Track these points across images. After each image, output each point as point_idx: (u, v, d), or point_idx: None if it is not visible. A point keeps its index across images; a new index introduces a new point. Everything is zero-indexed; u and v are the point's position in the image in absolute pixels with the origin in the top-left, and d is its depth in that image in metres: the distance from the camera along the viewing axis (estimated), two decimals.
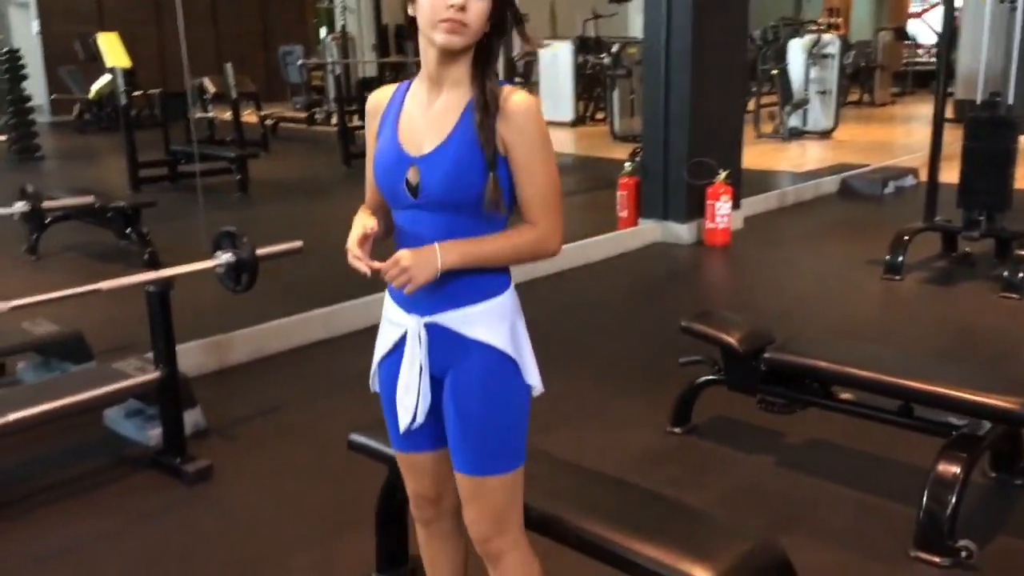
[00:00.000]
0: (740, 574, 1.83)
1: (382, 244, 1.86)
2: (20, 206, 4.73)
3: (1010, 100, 5.80)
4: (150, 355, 3.43)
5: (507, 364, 1.82)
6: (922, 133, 6.00)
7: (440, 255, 1.74)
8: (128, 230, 6.18)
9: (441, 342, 1.82)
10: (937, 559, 2.66)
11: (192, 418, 3.60)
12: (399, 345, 1.87)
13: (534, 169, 1.75)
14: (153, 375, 3.34)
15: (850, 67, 16.69)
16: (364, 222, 1.83)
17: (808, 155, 11.15)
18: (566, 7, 17.33)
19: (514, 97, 1.73)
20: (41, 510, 3.11)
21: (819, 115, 12.46)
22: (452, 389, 1.84)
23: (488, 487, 1.86)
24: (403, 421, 1.88)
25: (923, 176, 6.08)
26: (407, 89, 1.86)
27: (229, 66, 11.13)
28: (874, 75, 16.63)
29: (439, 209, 1.76)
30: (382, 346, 1.94)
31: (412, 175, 1.76)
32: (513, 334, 1.83)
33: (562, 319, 5.10)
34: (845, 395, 3.21)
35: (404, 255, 1.74)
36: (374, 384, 2.00)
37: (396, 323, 1.88)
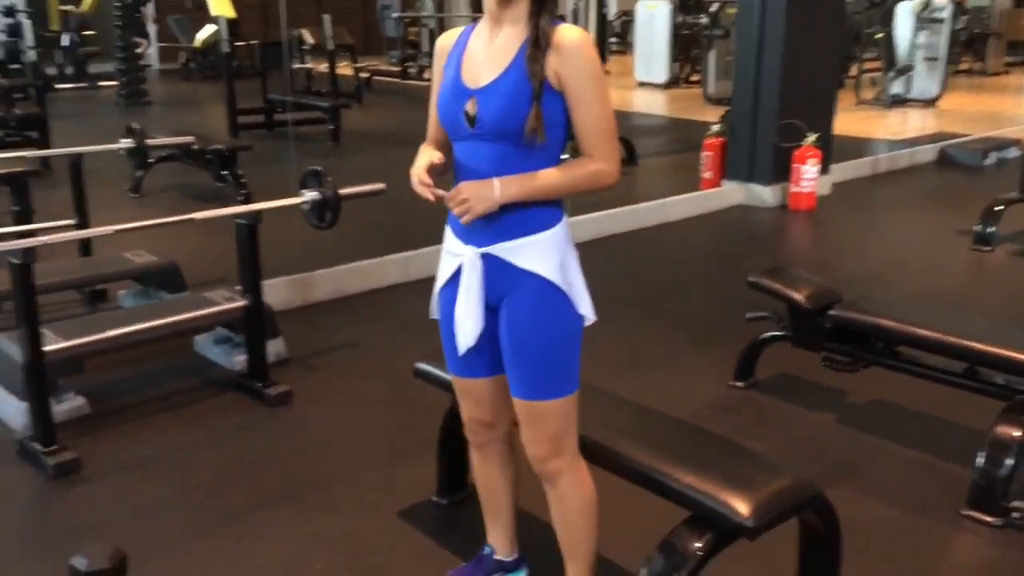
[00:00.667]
0: (774, 507, 1.90)
1: (441, 180, 1.96)
2: (126, 142, 5.00)
3: None
4: (239, 288, 3.64)
5: (557, 294, 1.91)
6: None
7: (499, 187, 1.84)
8: (224, 172, 6.46)
9: (495, 272, 1.92)
10: (989, 518, 2.66)
11: (275, 348, 3.81)
12: (457, 274, 1.98)
13: (588, 100, 1.83)
14: (240, 303, 3.55)
15: (963, 33, 16.03)
16: (431, 154, 1.95)
17: (909, 123, 10.81)
18: None
19: (567, 33, 1.81)
20: (134, 422, 3.36)
21: (925, 82, 12.03)
22: (506, 317, 1.94)
23: (542, 411, 1.97)
24: (461, 345, 2.00)
25: None
26: (472, 31, 1.96)
27: (327, 18, 11.35)
28: (987, 43, 15.89)
29: (494, 139, 1.85)
30: (442, 275, 2.05)
31: (471, 106, 1.86)
32: (563, 266, 1.91)
33: (639, 273, 5.15)
34: (910, 355, 3.20)
35: (465, 186, 1.85)
36: (434, 311, 2.12)
37: (455, 253, 1.99)
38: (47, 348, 3.04)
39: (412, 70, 14.43)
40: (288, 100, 9.39)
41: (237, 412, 3.43)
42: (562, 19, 1.88)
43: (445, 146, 2.03)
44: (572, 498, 2.05)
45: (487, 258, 1.93)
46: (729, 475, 1.97)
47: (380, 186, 3.80)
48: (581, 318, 1.96)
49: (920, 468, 3.00)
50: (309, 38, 12.20)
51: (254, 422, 3.36)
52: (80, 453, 3.02)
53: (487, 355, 2.04)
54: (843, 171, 7.46)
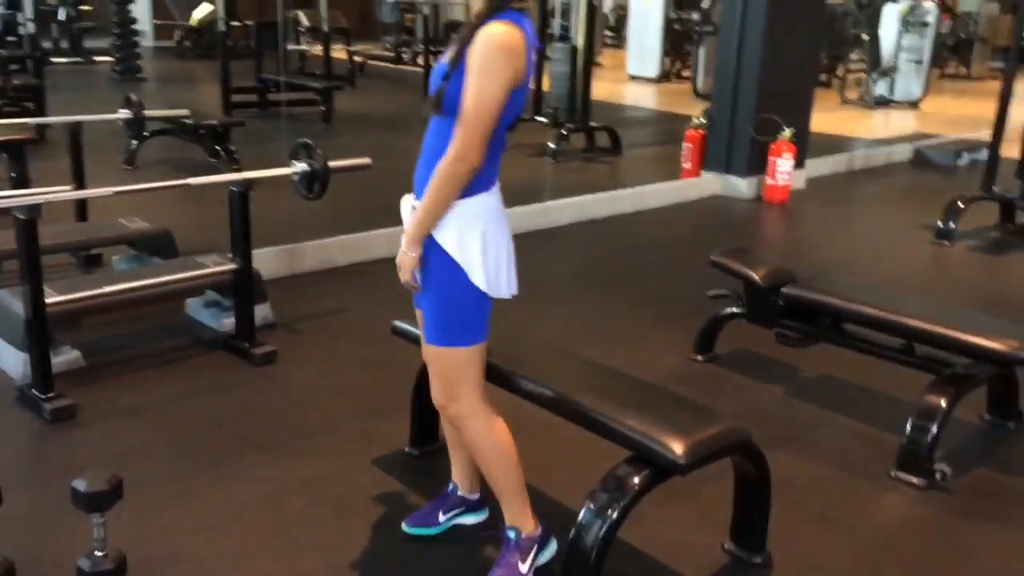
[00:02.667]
0: (705, 448, 2.12)
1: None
2: (123, 113, 5.19)
3: None
4: (229, 255, 3.84)
5: (446, 260, 2.13)
6: (1013, 109, 6.02)
7: (404, 244, 2.15)
8: (217, 147, 6.65)
9: None
10: (915, 479, 2.90)
11: (262, 312, 4.02)
12: None
13: (468, 87, 2.02)
14: (230, 267, 3.76)
15: (950, 38, 16.30)
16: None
17: (890, 123, 11.06)
18: None
19: (486, 27, 2.02)
20: (127, 375, 3.56)
21: (910, 84, 12.28)
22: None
23: (436, 355, 2.24)
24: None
25: (1005, 151, 6.11)
26: None
27: (324, 1, 11.50)
28: (973, 48, 16.16)
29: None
30: None
31: None
32: (462, 238, 2.11)
33: (614, 256, 5.37)
34: (854, 332, 3.43)
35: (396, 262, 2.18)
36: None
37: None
38: (48, 301, 3.24)
39: (406, 56, 14.59)
40: (282, 80, 9.56)
41: (224, 369, 3.64)
42: (520, 13, 2.08)
43: None
44: (478, 443, 2.28)
45: (414, 209, 2.19)
46: (667, 420, 2.20)
47: (366, 160, 4.01)
48: (476, 288, 2.14)
49: (857, 435, 3.24)
50: (305, 20, 12.36)
51: (240, 378, 3.57)
52: (76, 401, 3.22)
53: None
54: (818, 166, 7.71)
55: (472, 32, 2.03)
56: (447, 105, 2.08)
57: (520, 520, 2.33)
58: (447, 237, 2.12)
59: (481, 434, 2.27)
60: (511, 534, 2.34)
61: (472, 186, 2.11)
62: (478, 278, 2.14)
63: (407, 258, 2.16)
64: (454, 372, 2.23)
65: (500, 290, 2.19)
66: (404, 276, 2.18)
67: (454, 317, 2.19)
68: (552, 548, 2.42)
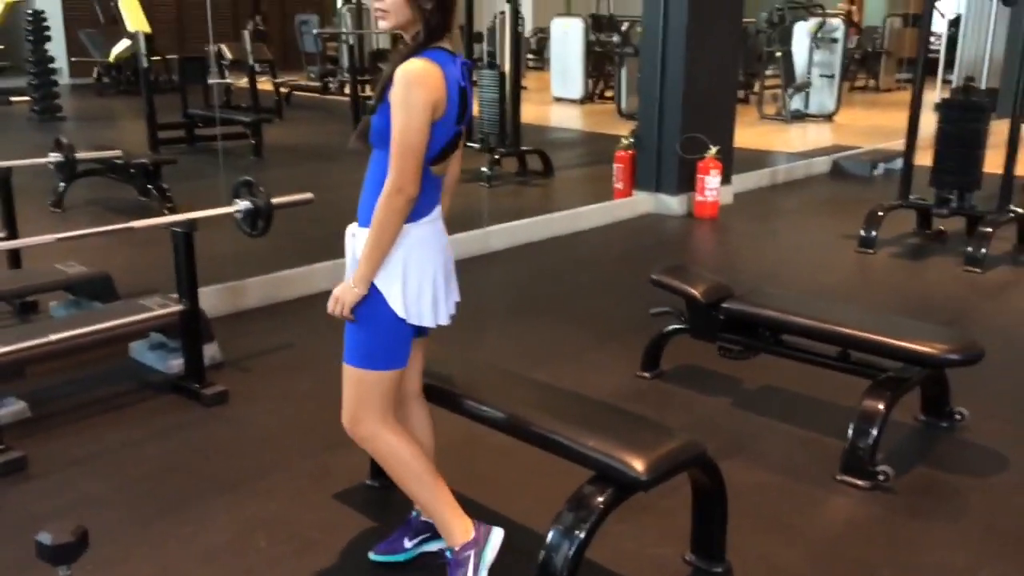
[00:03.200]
0: (664, 464, 2.21)
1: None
2: (54, 156, 5.11)
3: (983, 84, 6.11)
4: (173, 295, 3.82)
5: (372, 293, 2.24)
6: (927, 119, 6.32)
7: (351, 279, 2.24)
8: (149, 186, 6.57)
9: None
10: (859, 482, 3.04)
11: (210, 351, 3.99)
12: None
13: (393, 122, 2.15)
14: (176, 308, 3.74)
15: (858, 52, 16.97)
16: None
17: (808, 137, 11.44)
18: None
19: (404, 66, 2.15)
20: (76, 423, 3.51)
21: (823, 98, 12.74)
22: None
23: (347, 374, 2.35)
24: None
25: (917, 159, 6.40)
26: None
27: (247, 33, 11.47)
28: (880, 61, 16.86)
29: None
30: None
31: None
32: (386, 263, 2.21)
33: (551, 277, 5.47)
34: (793, 342, 3.58)
35: (336, 290, 2.27)
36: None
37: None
38: None
39: (332, 85, 14.57)
40: (209, 115, 9.48)
41: (176, 412, 3.61)
42: (442, 51, 2.21)
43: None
44: (386, 463, 2.38)
45: (354, 236, 2.33)
46: (626, 438, 2.28)
47: (308, 196, 4.05)
48: (392, 312, 2.25)
49: (802, 442, 3.38)
50: (228, 53, 12.28)
51: (192, 420, 3.55)
52: (25, 452, 3.17)
53: None
54: (744, 181, 7.96)
55: (392, 69, 2.16)
56: (373, 138, 2.22)
57: (449, 533, 2.37)
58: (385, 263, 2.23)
59: (386, 455, 2.35)
60: (448, 554, 2.39)
61: (413, 220, 2.23)
62: (396, 303, 2.23)
63: (351, 293, 2.24)
64: (362, 393, 2.32)
65: (423, 318, 2.28)
66: (342, 311, 2.25)
67: (370, 339, 2.28)
68: (496, 538, 2.38)
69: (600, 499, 2.20)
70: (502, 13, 8.71)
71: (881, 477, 3.03)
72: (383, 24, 2.22)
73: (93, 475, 3.12)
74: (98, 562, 2.51)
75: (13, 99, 12.55)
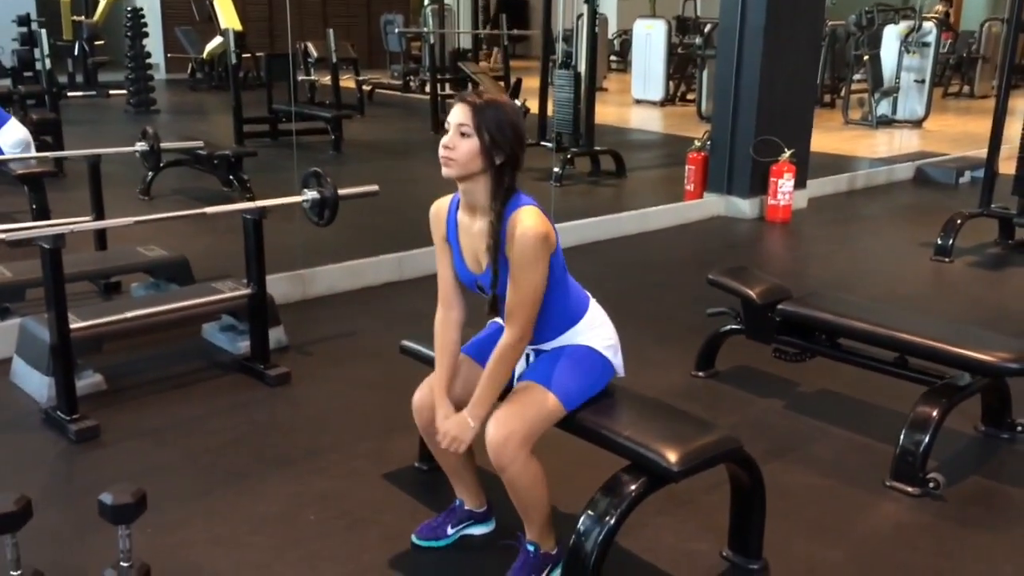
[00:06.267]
0: (697, 456, 2.23)
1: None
2: (140, 145, 5.37)
3: None
4: (244, 281, 3.98)
5: (596, 353, 2.45)
6: (1017, 127, 6.13)
7: (469, 418, 2.33)
8: (231, 176, 6.83)
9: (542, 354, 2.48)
10: (909, 488, 3.00)
11: (276, 335, 4.15)
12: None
13: (517, 279, 2.23)
14: (245, 292, 3.89)
15: (953, 57, 16.45)
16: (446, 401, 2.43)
17: (893, 143, 11.17)
18: None
19: (517, 225, 2.19)
20: (147, 397, 3.70)
21: (912, 104, 12.40)
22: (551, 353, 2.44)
23: (536, 396, 2.34)
24: None
25: (1004, 168, 6.22)
26: (457, 207, 2.38)
27: (331, 32, 11.75)
28: (976, 66, 16.31)
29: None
30: None
31: (479, 284, 2.39)
32: (600, 333, 2.46)
33: (615, 276, 5.50)
34: (849, 346, 3.54)
35: (444, 425, 2.35)
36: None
37: None
38: (72, 327, 3.38)
39: (413, 84, 14.82)
40: (292, 110, 9.77)
41: (240, 390, 3.77)
42: (512, 192, 2.25)
43: (458, 289, 2.46)
44: (521, 484, 2.33)
45: (537, 352, 2.52)
46: (662, 431, 2.31)
47: (374, 188, 4.16)
48: (611, 368, 2.52)
49: (854, 446, 3.34)
50: (314, 51, 12.60)
51: (256, 399, 3.70)
52: (99, 422, 3.35)
53: None
54: (820, 186, 7.82)
55: (495, 228, 2.21)
56: (507, 303, 2.28)
57: (542, 538, 2.44)
58: (593, 339, 2.46)
59: (528, 477, 2.32)
60: (531, 547, 2.44)
61: (576, 312, 2.44)
62: (618, 364, 2.50)
63: (469, 431, 2.33)
64: (541, 421, 2.32)
65: (620, 369, 2.53)
66: (458, 447, 2.35)
67: (587, 389, 2.41)
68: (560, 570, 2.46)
69: (632, 488, 2.23)
70: (581, 16, 8.75)
71: (932, 485, 2.98)
72: (446, 172, 2.21)
73: (160, 446, 3.28)
74: (156, 526, 2.66)
75: (111, 92, 13.12)
